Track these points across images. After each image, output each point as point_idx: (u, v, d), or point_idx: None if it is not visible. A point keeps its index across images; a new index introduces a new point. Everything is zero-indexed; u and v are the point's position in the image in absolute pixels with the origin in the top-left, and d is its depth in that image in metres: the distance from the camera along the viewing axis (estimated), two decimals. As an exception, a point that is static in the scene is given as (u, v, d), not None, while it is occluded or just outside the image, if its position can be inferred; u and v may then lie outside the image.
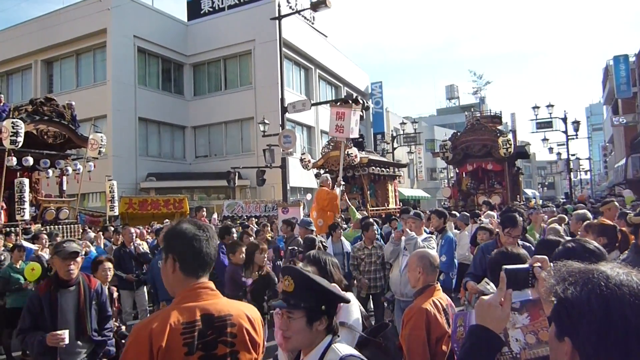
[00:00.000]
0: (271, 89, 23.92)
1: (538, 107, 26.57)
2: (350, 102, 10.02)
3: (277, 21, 16.07)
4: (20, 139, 10.27)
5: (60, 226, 11.88)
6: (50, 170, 12.73)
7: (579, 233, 4.75)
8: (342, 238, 7.34)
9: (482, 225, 7.23)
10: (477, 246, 5.97)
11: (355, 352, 1.85)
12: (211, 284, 1.87)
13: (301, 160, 15.99)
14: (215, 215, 15.62)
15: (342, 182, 10.42)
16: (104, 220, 14.40)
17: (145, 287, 7.84)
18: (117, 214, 15.21)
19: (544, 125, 28.08)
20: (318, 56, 30.04)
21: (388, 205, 16.21)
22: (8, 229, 10.11)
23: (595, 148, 72.71)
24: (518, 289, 1.50)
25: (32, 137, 11.24)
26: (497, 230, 5.61)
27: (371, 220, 7.31)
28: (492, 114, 22.35)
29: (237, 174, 19.86)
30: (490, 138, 17.59)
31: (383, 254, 6.24)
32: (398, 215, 9.12)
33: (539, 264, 1.50)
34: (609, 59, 31.63)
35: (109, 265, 4.77)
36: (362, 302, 5.40)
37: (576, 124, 26.66)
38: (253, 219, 14.94)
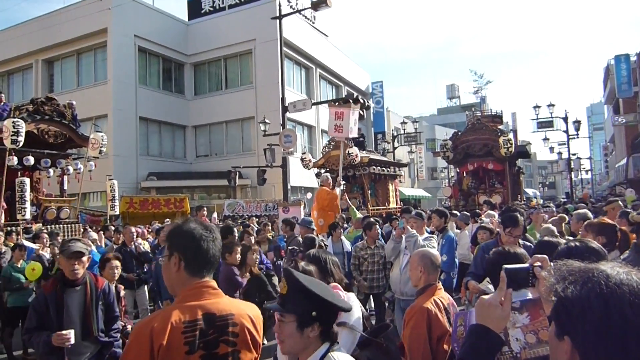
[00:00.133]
0: (272, 89, 23.91)
1: (539, 107, 26.56)
2: (351, 101, 10.03)
3: (277, 20, 16.08)
4: (21, 139, 10.28)
5: (61, 225, 11.89)
6: (51, 170, 12.75)
7: (579, 233, 4.74)
8: (343, 237, 7.34)
9: (482, 224, 7.23)
10: (477, 246, 5.97)
11: None
12: (213, 283, 1.87)
13: (302, 159, 16.00)
14: (215, 215, 15.63)
15: (343, 182, 10.43)
16: (104, 219, 14.41)
17: (145, 286, 7.85)
18: (117, 213, 15.23)
19: (545, 124, 28.07)
20: (319, 55, 30.03)
21: (389, 205, 16.21)
22: (9, 228, 10.11)
23: (596, 148, 72.71)
24: (518, 289, 1.50)
25: (33, 136, 11.26)
26: (497, 229, 5.62)
27: (373, 219, 7.31)
28: (493, 113, 22.34)
29: (237, 173, 19.87)
30: (491, 137, 17.58)
31: (385, 254, 6.25)
32: (399, 214, 9.12)
33: (539, 264, 1.50)
34: (610, 58, 31.64)
35: (117, 263, 4.73)
36: (362, 302, 5.41)
37: (577, 123, 26.64)
38: (254, 218, 14.94)
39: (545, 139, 31.78)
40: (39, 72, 27.10)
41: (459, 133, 19.40)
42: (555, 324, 0.99)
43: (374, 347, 2.47)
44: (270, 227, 10.20)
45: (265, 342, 1.97)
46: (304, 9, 21.77)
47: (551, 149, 35.27)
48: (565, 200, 28.07)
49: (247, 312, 1.89)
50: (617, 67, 28.32)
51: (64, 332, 3.25)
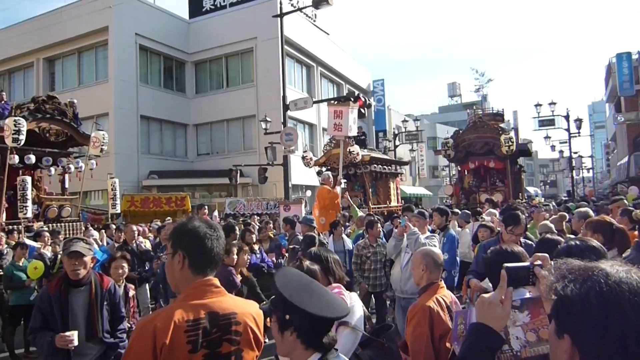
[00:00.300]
0: (273, 87, 23.89)
1: (540, 105, 26.51)
2: (352, 100, 10.03)
3: (278, 19, 16.05)
4: (23, 137, 10.29)
5: (63, 224, 11.91)
6: (52, 168, 12.77)
7: (581, 231, 4.73)
8: (344, 236, 7.34)
9: (483, 223, 7.23)
10: (478, 244, 5.97)
11: None
12: (216, 281, 1.87)
13: (303, 158, 16.00)
14: (216, 213, 15.62)
15: (344, 180, 10.43)
16: (106, 218, 14.43)
17: (147, 284, 7.86)
18: (119, 211, 15.24)
19: (547, 123, 28.05)
20: (320, 54, 30.01)
21: (390, 203, 16.21)
22: (10, 227, 10.13)
23: (598, 146, 72.63)
24: (519, 287, 1.50)
25: (34, 135, 11.27)
26: (498, 228, 5.62)
27: (375, 218, 7.31)
28: (494, 111, 22.30)
29: (239, 171, 19.87)
30: (493, 136, 17.57)
31: (386, 252, 6.25)
32: (400, 213, 9.13)
33: (539, 262, 1.50)
34: (611, 56, 31.53)
35: (123, 263, 4.68)
36: (364, 301, 5.40)
37: (578, 121, 26.61)
38: (255, 216, 14.95)
39: (547, 137, 31.76)
40: (40, 70, 27.12)
41: (460, 131, 19.39)
42: (555, 322, 0.99)
43: (375, 347, 2.47)
44: (271, 226, 10.21)
45: (267, 340, 1.96)
46: (305, 7, 21.67)
47: (552, 147, 35.23)
48: (567, 198, 28.04)
49: (249, 311, 1.89)
50: (619, 65, 28.24)
51: (67, 333, 3.18)
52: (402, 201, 18.66)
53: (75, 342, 3.19)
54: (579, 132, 26.87)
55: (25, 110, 11.55)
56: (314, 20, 30.23)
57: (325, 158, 15.59)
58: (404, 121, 33.08)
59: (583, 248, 2.16)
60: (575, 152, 32.86)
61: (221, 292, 1.86)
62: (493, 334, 1.39)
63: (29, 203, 10.80)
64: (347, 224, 9.88)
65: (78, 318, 3.36)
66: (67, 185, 13.39)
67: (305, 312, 1.54)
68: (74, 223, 12.36)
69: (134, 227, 8.33)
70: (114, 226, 10.37)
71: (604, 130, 63.41)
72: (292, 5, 24.09)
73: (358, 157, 14.20)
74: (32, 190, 11.44)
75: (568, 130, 26.25)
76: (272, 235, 9.02)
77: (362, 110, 10.83)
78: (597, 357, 0.89)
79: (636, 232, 4.75)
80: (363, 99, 11.47)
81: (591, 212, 6.02)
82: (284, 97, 15.84)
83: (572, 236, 4.51)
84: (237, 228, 7.76)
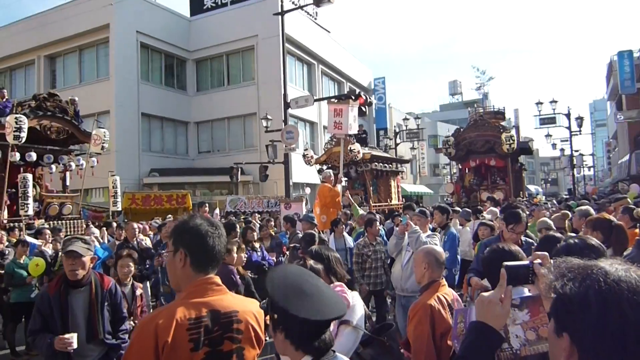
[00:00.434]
0: (274, 85, 23.85)
1: (541, 103, 26.50)
2: (352, 98, 10.01)
3: (279, 17, 16.02)
4: (24, 135, 10.30)
5: (64, 222, 11.93)
6: (53, 166, 12.78)
7: (582, 229, 4.73)
8: (345, 234, 7.34)
9: (483, 221, 7.23)
10: (478, 242, 5.97)
11: None
12: (217, 279, 1.88)
13: (304, 156, 15.99)
14: (217, 211, 15.63)
15: (344, 178, 10.42)
16: (107, 215, 14.45)
17: (148, 282, 7.87)
18: (120, 209, 15.26)
19: (548, 121, 28.05)
20: (321, 52, 29.96)
21: (390, 201, 16.20)
22: (12, 224, 10.16)
23: (599, 144, 72.52)
24: (517, 285, 1.50)
25: (35, 132, 11.28)
26: (499, 227, 5.61)
27: (374, 216, 7.31)
28: (495, 110, 22.33)
29: (239, 169, 19.87)
30: (493, 134, 17.57)
31: (386, 250, 6.25)
32: (401, 211, 9.12)
33: (539, 261, 1.50)
34: (613, 54, 31.44)
35: (130, 262, 4.61)
36: (364, 300, 5.41)
37: (580, 119, 26.61)
38: (256, 214, 14.96)
39: (548, 136, 31.77)
40: (41, 68, 27.11)
41: (461, 129, 19.39)
42: (554, 320, 1.00)
43: (377, 346, 2.48)
44: (272, 224, 10.22)
45: (268, 338, 1.96)
46: (306, 5, 21.67)
47: (554, 146, 35.25)
48: (568, 196, 28.02)
49: (250, 309, 1.90)
50: (620, 63, 28.15)
51: (66, 336, 3.11)
52: (403, 199, 18.67)
53: (75, 345, 3.12)
54: (580, 130, 26.88)
55: (26, 107, 11.57)
56: (315, 18, 30.19)
57: (326, 156, 15.58)
58: (405, 119, 33.06)
59: (582, 246, 2.16)
60: (577, 150, 32.84)
61: (222, 291, 1.86)
62: (493, 332, 1.40)
63: (30, 200, 10.81)
64: (349, 222, 9.88)
65: (78, 319, 3.29)
66: (68, 183, 13.40)
67: (291, 314, 1.49)
68: (75, 221, 12.38)
69: (135, 225, 8.33)
70: (115, 224, 10.39)
71: (605, 128, 63.39)
72: (293, 3, 24.04)
73: (359, 155, 14.18)
74: (34, 187, 11.45)
75: (569, 128, 26.24)
76: (273, 233, 9.03)
77: (363, 108, 10.78)
78: (596, 355, 0.89)
79: (637, 230, 4.75)
80: (364, 97, 11.44)
81: (592, 211, 6.02)
82: (285, 95, 15.82)
83: (573, 234, 4.51)
84: (238, 226, 7.76)
